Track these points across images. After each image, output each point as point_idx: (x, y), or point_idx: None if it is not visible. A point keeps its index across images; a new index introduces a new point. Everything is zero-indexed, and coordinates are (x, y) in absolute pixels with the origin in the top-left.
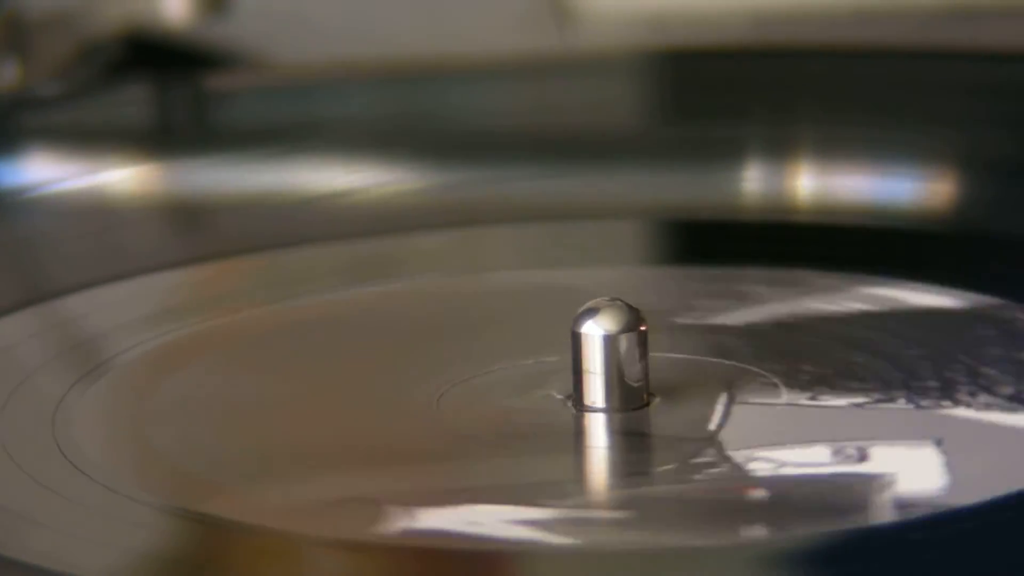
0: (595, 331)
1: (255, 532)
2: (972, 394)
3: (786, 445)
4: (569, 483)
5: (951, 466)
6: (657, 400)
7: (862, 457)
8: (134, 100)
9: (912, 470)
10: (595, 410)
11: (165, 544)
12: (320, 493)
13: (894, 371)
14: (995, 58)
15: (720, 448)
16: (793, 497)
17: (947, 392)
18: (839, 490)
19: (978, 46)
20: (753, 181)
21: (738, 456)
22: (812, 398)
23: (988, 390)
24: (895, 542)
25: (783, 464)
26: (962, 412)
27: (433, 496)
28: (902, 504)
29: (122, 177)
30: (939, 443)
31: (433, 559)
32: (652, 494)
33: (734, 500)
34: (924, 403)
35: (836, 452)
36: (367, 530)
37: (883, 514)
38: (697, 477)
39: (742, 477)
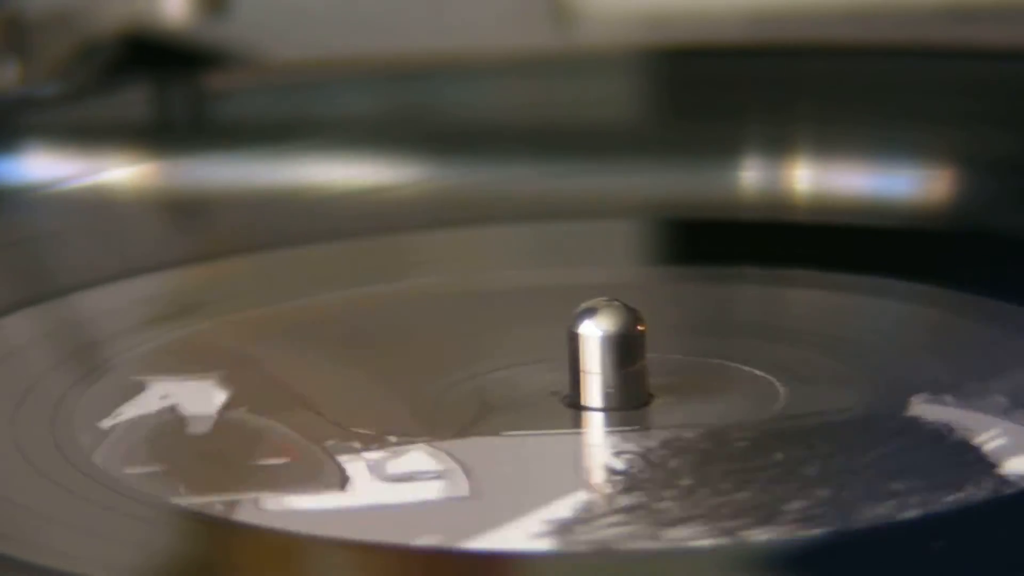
0: (593, 331)
1: (256, 532)
2: (966, 400)
3: (782, 446)
4: (568, 483)
5: (934, 466)
6: (656, 400)
7: (855, 458)
8: (134, 99)
9: (890, 474)
10: (593, 410)
11: (166, 544)
12: (319, 493)
13: (892, 372)
14: (992, 56)
15: (718, 449)
16: (791, 498)
17: (940, 396)
18: (828, 493)
19: (975, 44)
20: (751, 179)
21: (736, 457)
22: (810, 399)
23: (979, 394)
24: (894, 542)
25: (780, 464)
26: (951, 417)
27: (432, 496)
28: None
29: (122, 176)
30: (918, 447)
31: (432, 560)
32: (651, 494)
33: (733, 500)
34: (917, 406)
35: (826, 455)
36: (366, 530)
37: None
38: (696, 477)
39: (740, 478)
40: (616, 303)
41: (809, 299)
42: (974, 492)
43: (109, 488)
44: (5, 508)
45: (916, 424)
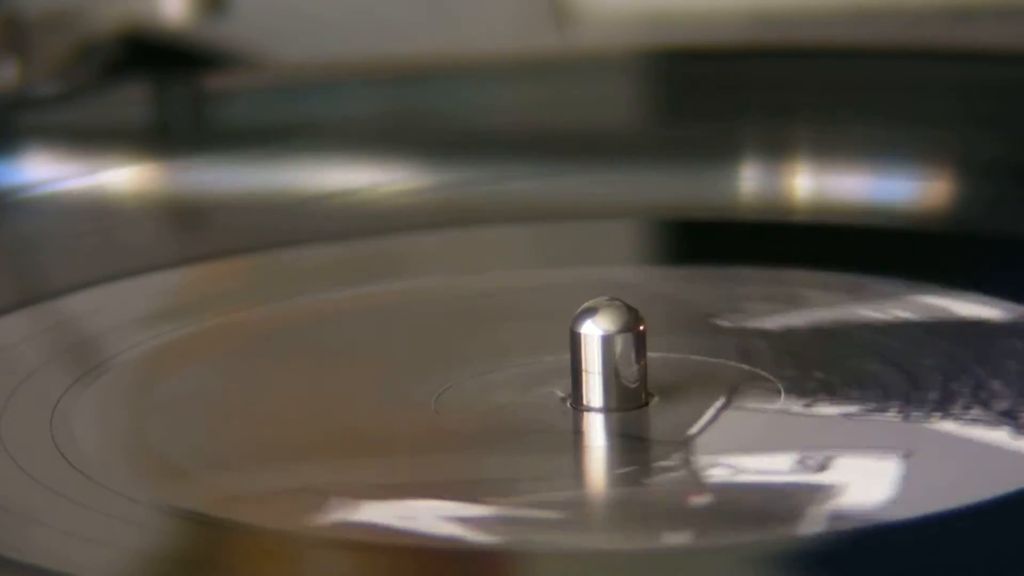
0: (594, 331)
1: (254, 531)
2: (966, 406)
3: (782, 446)
4: (567, 483)
5: (908, 478)
6: (655, 400)
7: (837, 464)
8: (133, 100)
9: (870, 482)
10: (594, 410)
11: (163, 544)
12: (320, 493)
13: (892, 372)
14: (992, 58)
15: (719, 449)
16: (792, 498)
17: (941, 402)
18: (792, 497)
19: (975, 46)
20: (750, 181)
21: (736, 457)
22: (807, 403)
23: (984, 401)
24: (895, 542)
25: (780, 464)
26: (948, 424)
27: (432, 496)
28: (844, 515)
29: (121, 177)
30: (908, 455)
31: (431, 558)
32: (650, 494)
33: (734, 500)
34: (915, 413)
35: (826, 455)
36: (366, 529)
37: (821, 523)
38: (695, 477)
39: (740, 478)
40: (617, 303)
41: (809, 301)
42: (975, 491)
43: (106, 488)
44: (3, 508)
45: (915, 424)
